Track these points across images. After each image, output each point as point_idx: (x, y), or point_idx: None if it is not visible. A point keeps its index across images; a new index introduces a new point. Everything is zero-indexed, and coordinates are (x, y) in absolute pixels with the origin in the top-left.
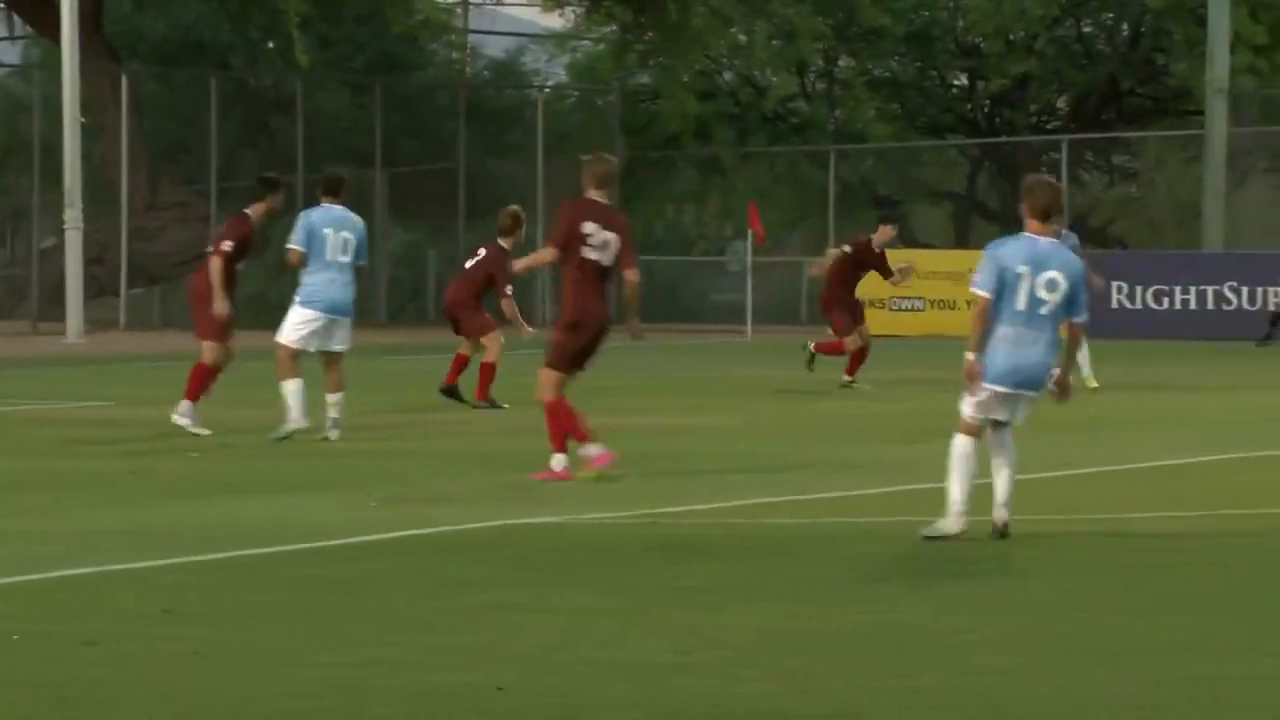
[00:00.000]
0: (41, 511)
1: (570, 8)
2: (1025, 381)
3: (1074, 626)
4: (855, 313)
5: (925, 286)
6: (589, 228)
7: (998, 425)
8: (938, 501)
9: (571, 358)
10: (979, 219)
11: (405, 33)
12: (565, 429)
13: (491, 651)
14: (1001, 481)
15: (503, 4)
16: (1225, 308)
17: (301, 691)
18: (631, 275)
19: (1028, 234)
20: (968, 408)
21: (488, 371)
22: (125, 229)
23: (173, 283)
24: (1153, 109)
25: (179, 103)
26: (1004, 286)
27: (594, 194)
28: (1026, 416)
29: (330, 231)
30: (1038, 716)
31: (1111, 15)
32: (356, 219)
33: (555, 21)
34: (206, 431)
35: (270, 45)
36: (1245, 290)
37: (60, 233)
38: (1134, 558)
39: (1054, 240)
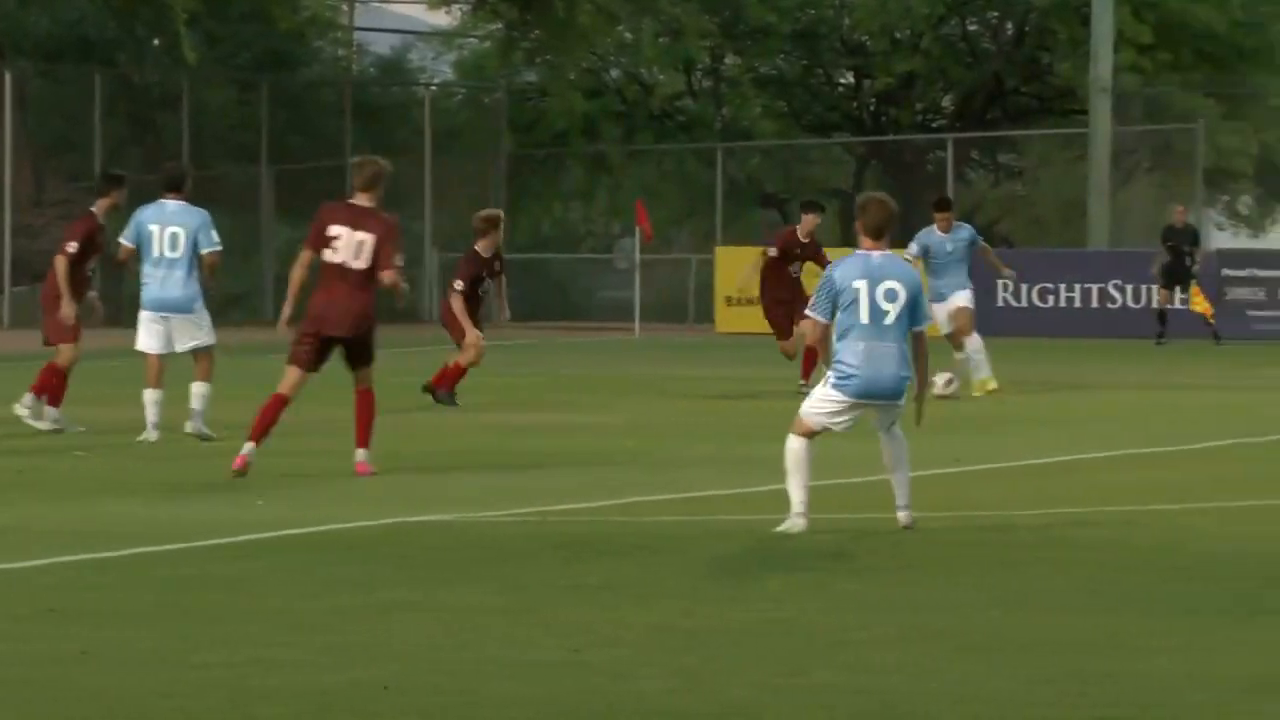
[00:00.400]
0: None
1: (456, 5)
2: (880, 394)
3: (962, 623)
4: (796, 312)
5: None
6: (335, 230)
7: (889, 427)
8: (826, 497)
9: (316, 355)
10: None
11: (291, 30)
12: (262, 420)
13: (379, 651)
14: (899, 483)
15: (389, 1)
16: (1110, 306)
17: (187, 691)
18: (384, 276)
19: (861, 250)
20: (812, 413)
21: (458, 370)
22: (9, 226)
23: None
24: (1037, 108)
25: (64, 99)
26: (843, 305)
27: (360, 197)
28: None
29: (156, 228)
30: (928, 713)
31: (996, 14)
32: (195, 211)
33: (441, 19)
34: (46, 426)
35: (156, 42)
36: (1130, 289)
37: None
38: (1018, 554)
39: (888, 254)
